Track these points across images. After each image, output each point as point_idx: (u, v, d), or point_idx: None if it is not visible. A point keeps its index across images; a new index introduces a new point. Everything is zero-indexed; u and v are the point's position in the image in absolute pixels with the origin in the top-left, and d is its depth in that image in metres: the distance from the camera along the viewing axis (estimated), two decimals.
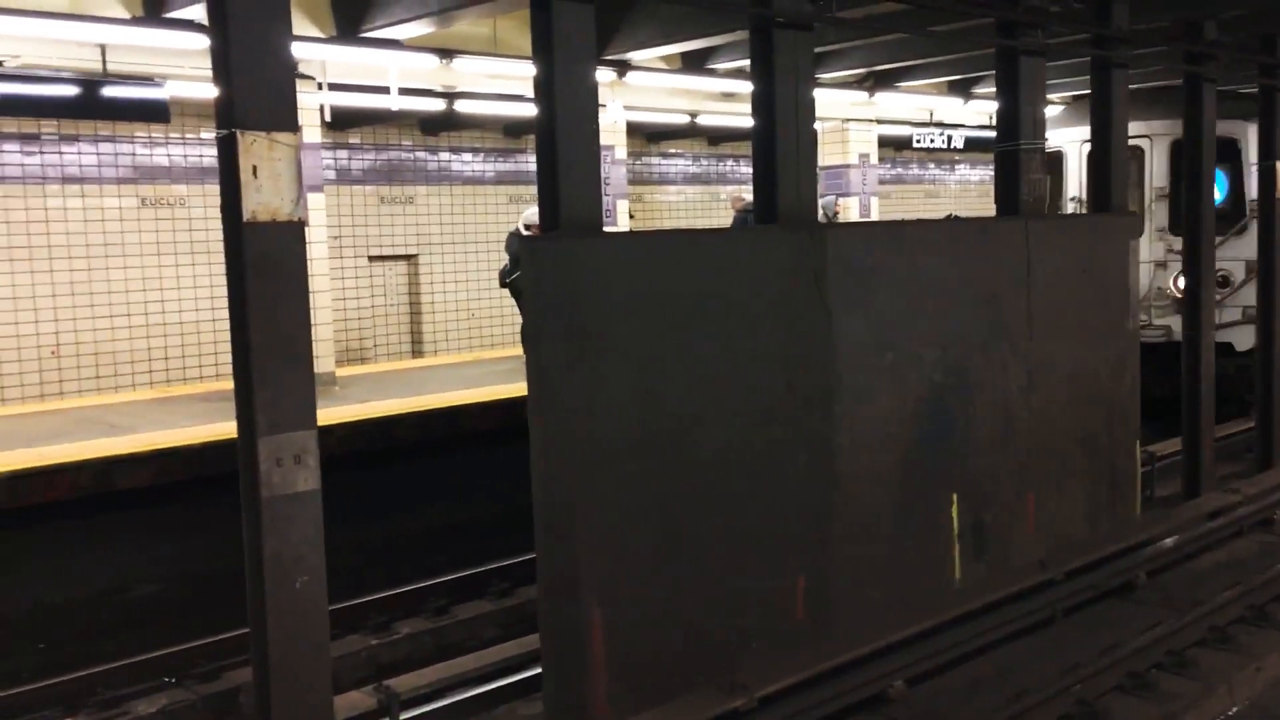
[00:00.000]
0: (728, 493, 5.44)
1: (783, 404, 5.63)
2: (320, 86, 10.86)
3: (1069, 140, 12.95)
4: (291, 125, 4.09)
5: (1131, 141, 10.01)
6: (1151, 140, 12.44)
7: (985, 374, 6.62)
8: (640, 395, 5.11)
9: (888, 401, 6.08)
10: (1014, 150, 7.15)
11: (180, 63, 9.89)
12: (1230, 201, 12.25)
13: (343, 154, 14.65)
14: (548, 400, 4.83)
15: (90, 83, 9.87)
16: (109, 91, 9.98)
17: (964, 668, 5.69)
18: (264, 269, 4.07)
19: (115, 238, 13.28)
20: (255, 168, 3.98)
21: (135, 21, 9.20)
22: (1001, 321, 6.72)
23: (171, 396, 11.97)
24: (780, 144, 5.80)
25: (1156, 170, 12.50)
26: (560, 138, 4.92)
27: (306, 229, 4.26)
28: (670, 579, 5.23)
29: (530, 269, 4.81)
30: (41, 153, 12.66)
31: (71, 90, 9.88)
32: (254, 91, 3.97)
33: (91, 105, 10.15)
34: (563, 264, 4.83)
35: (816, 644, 5.57)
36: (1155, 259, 12.28)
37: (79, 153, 12.88)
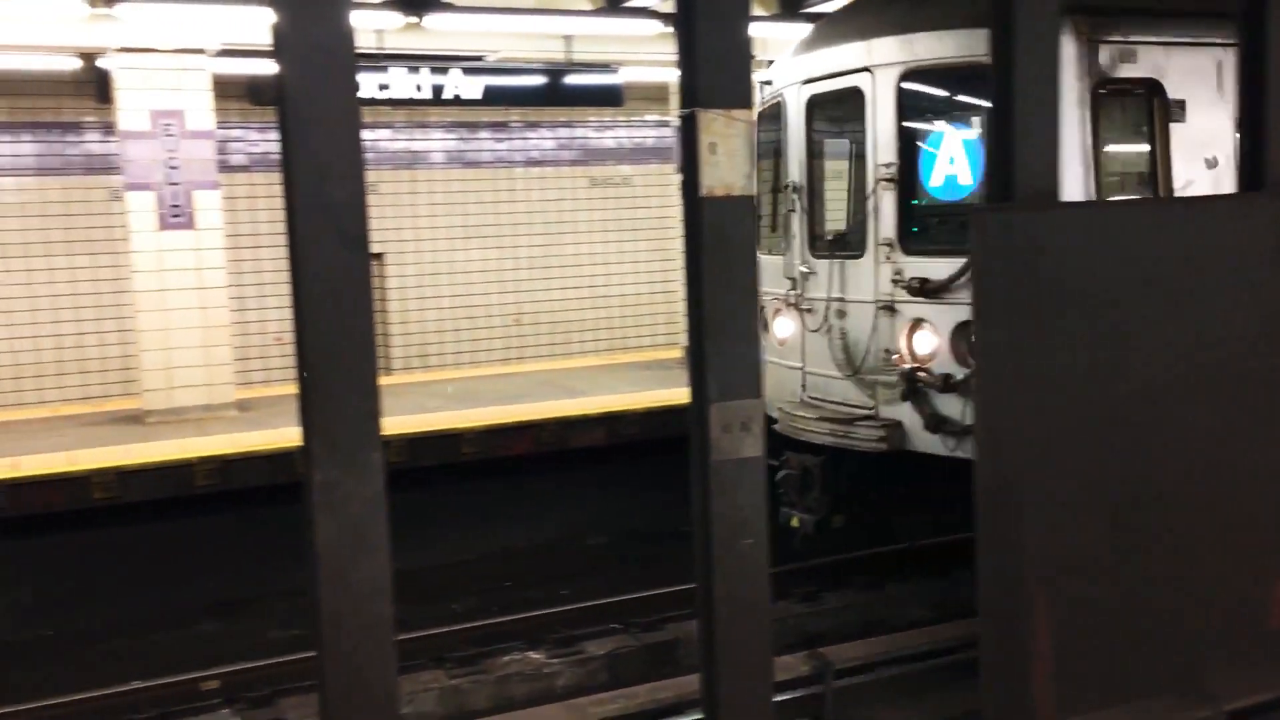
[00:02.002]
0: (1191, 482, 4.98)
1: (1261, 386, 5.06)
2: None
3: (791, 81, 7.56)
4: (746, 102, 4.22)
5: (843, 80, 7.03)
6: (873, 76, 6.91)
7: None
8: (1096, 373, 4.78)
9: None
10: None
11: (633, 49, 10.50)
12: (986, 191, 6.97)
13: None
14: (994, 375, 4.66)
15: (555, 72, 10.76)
16: (571, 79, 10.83)
17: None
18: (718, 243, 4.23)
19: (568, 216, 14.38)
20: (714, 144, 4.14)
21: (597, 12, 9.88)
22: None
23: (616, 364, 12.81)
24: None
25: (881, 130, 6.88)
26: (1018, 103, 4.71)
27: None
28: (1122, 571, 4.87)
29: (982, 242, 4.64)
30: (509, 139, 13.95)
31: (539, 80, 10.82)
32: (715, 72, 4.12)
33: (555, 93, 11.05)
34: (1020, 237, 4.62)
35: None
36: (879, 296, 6.87)
37: (540, 138, 14.06)
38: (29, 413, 11.60)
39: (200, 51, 10.71)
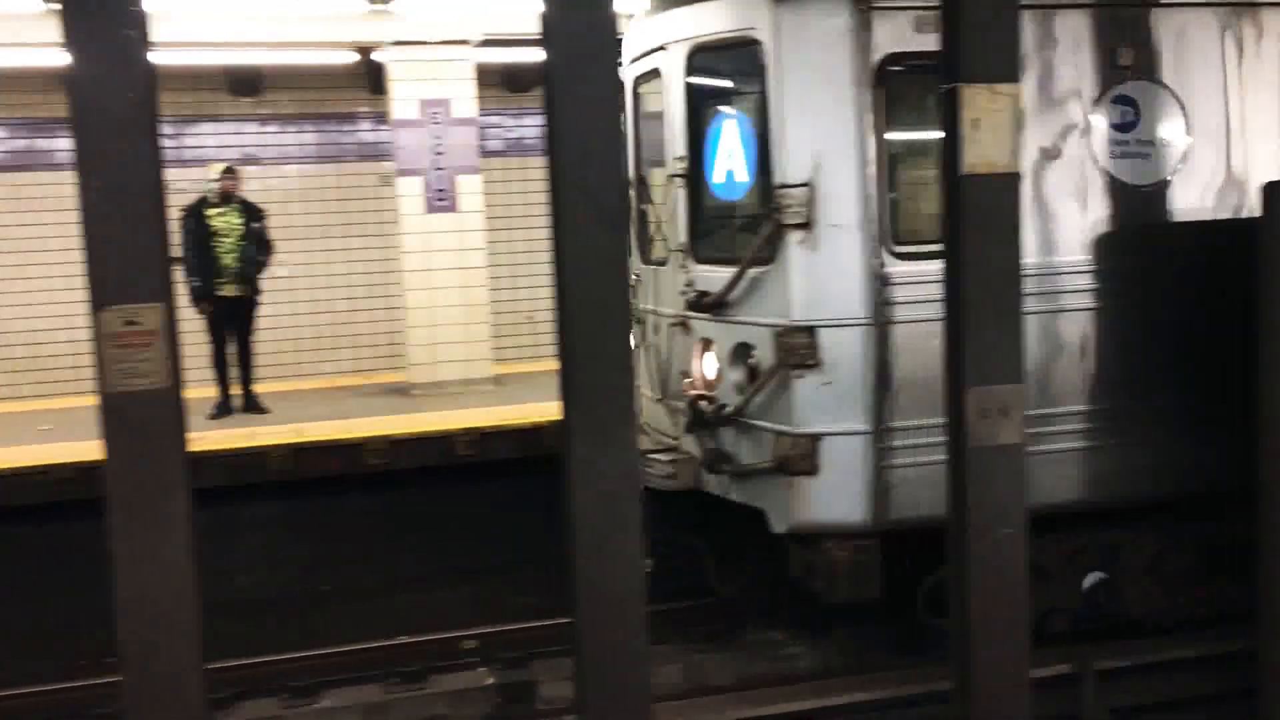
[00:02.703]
0: None
1: None
2: None
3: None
4: (1012, 76, 4.06)
5: (649, 60, 6.08)
6: (668, 55, 6.08)
7: None
8: None
9: None
10: None
11: None
12: (759, 189, 5.76)
13: None
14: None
15: None
16: None
17: None
18: (978, 222, 4.10)
19: None
20: (976, 120, 4.01)
21: None
22: None
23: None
24: None
25: (674, 118, 6.09)
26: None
27: None
28: None
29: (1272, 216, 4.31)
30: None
31: None
32: (979, 44, 3.99)
33: None
34: None
35: None
36: (677, 310, 6.12)
37: None
38: (309, 383, 12.54)
39: (465, 43, 11.24)
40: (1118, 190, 5.76)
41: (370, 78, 12.37)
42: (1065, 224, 5.67)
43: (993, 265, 4.12)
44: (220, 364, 10.36)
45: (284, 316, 12.58)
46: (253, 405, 10.41)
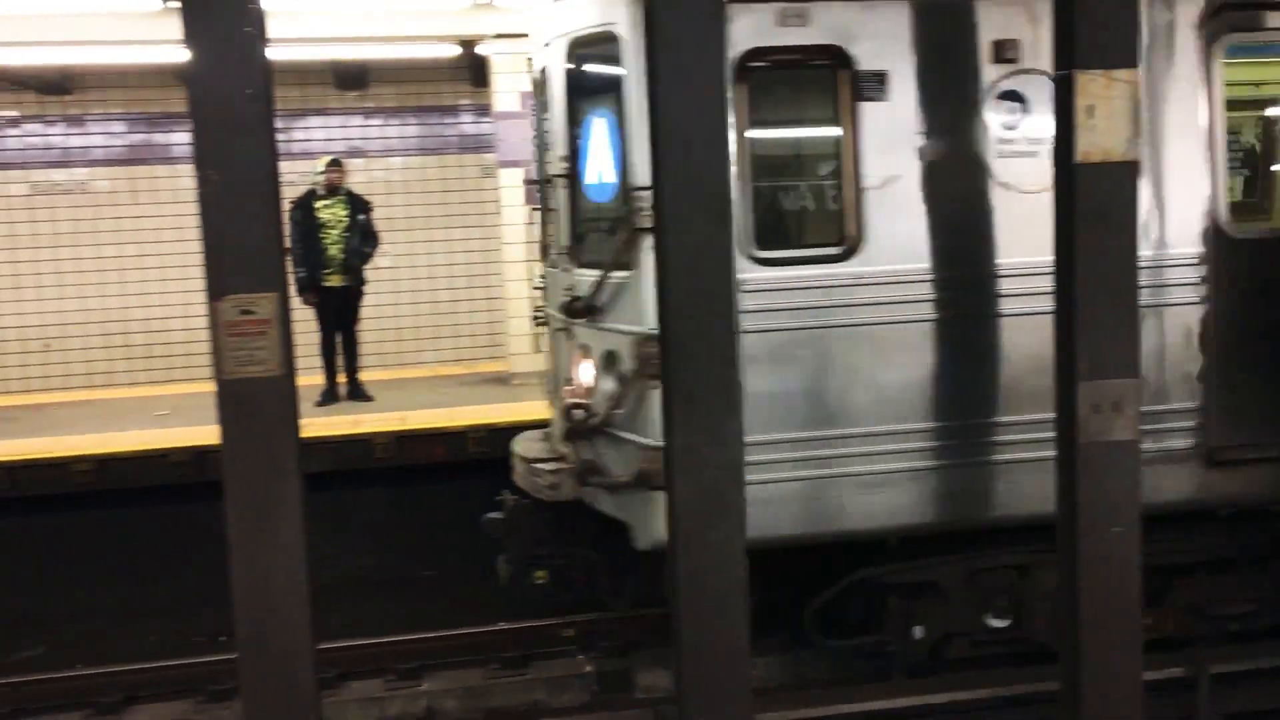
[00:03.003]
0: None
1: None
2: None
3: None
4: (1130, 62, 3.94)
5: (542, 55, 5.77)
6: (551, 50, 5.95)
7: None
8: None
9: None
10: None
11: None
12: (623, 191, 5.49)
13: None
14: None
15: None
16: None
17: None
18: (1093, 211, 4.00)
19: None
20: (1091, 107, 3.90)
21: None
22: None
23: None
24: None
25: (556, 115, 5.93)
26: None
27: None
28: None
29: None
30: None
31: None
32: (1096, 30, 3.88)
33: None
34: None
35: None
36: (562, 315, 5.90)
37: None
38: (411, 372, 12.77)
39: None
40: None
41: (473, 71, 12.52)
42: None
43: (1108, 256, 4.01)
44: (327, 352, 10.59)
45: (387, 306, 12.81)
46: (358, 393, 10.62)
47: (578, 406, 5.60)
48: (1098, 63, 3.92)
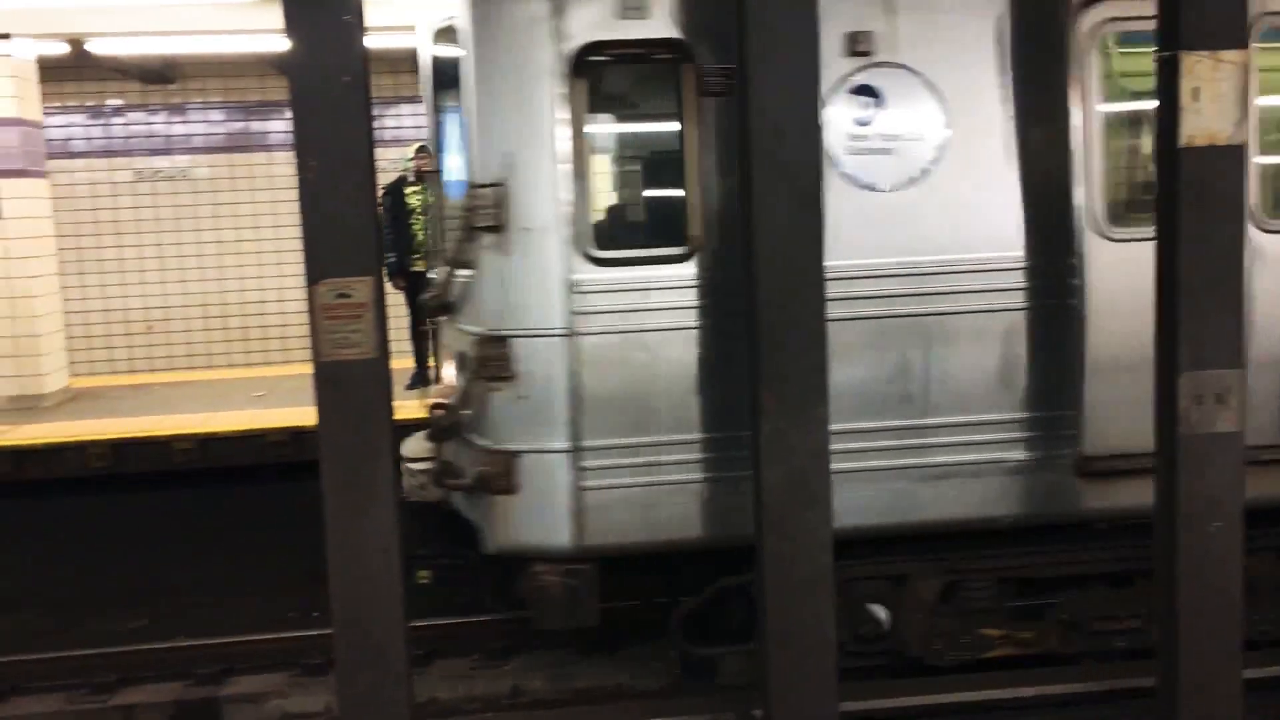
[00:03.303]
0: None
1: None
2: None
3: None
4: (1240, 42, 3.82)
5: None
6: (420, 41, 5.75)
7: None
8: None
9: None
10: None
11: None
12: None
13: None
14: None
15: None
16: None
17: None
18: (1198, 196, 3.89)
19: None
20: (1197, 89, 3.80)
21: None
22: None
23: None
24: None
25: (427, 110, 5.82)
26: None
27: None
28: None
29: None
30: None
31: None
32: (1203, 9, 3.77)
33: None
34: None
35: None
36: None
37: None
38: None
39: None
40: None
41: None
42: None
43: (1212, 242, 3.90)
44: (417, 337, 10.74)
45: None
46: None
47: (439, 406, 5.48)
48: (1205, 44, 3.81)
